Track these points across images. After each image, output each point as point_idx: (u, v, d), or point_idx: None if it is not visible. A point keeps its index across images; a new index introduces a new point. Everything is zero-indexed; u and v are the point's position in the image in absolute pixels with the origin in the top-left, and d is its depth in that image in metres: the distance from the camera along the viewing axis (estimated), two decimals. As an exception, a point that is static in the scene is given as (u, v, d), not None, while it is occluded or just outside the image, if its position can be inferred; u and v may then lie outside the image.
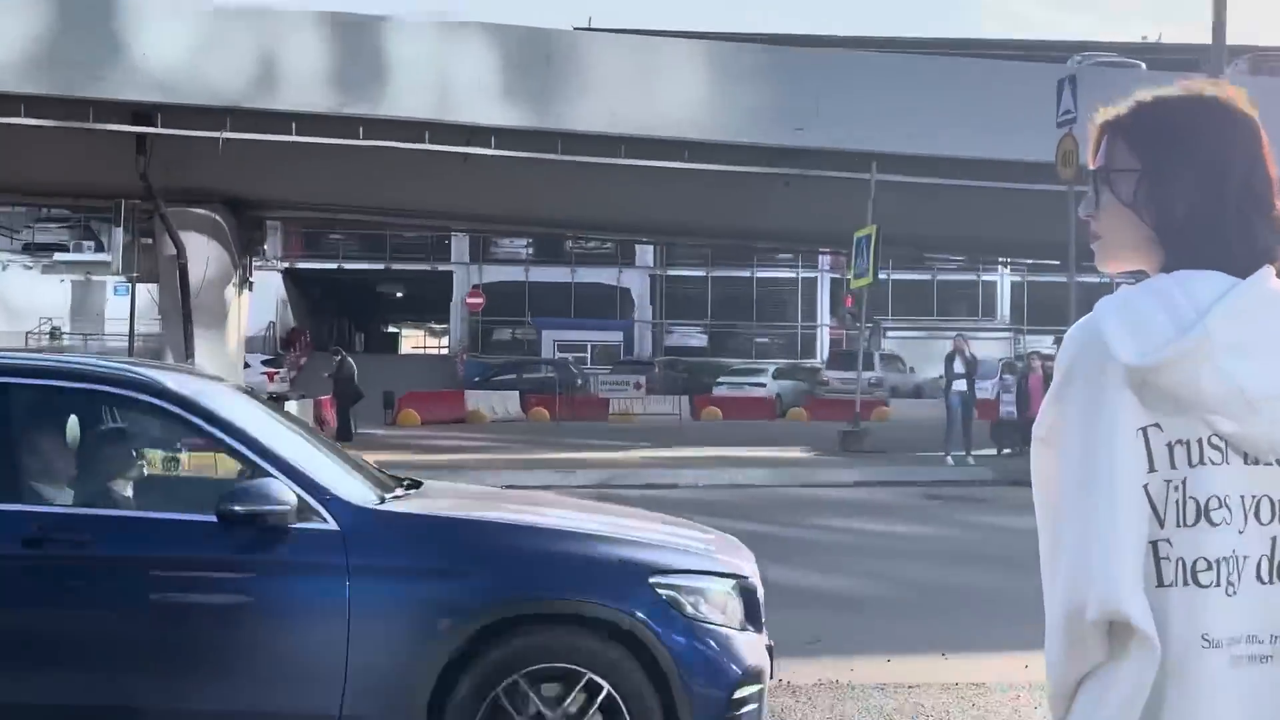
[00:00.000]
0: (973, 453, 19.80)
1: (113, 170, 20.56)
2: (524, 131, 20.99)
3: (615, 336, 50.70)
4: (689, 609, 4.39)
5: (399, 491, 4.98)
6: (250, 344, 34.80)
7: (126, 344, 21.63)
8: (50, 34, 19.83)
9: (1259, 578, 1.63)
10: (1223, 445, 1.64)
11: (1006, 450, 20.80)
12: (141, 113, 20.22)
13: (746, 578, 4.71)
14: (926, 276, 51.00)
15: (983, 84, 22.81)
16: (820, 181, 21.78)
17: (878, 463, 19.39)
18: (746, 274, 52.74)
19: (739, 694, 4.40)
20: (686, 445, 22.90)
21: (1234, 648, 1.61)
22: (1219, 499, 1.62)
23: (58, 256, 44.80)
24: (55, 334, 45.17)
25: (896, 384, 41.18)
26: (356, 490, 4.65)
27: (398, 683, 4.28)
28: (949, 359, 20.38)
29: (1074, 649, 1.64)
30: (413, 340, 71.34)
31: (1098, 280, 23.99)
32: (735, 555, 4.98)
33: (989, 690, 6.42)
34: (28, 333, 41.75)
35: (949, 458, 19.52)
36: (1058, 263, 24.20)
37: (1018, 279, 51.42)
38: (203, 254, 22.52)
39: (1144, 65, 31.53)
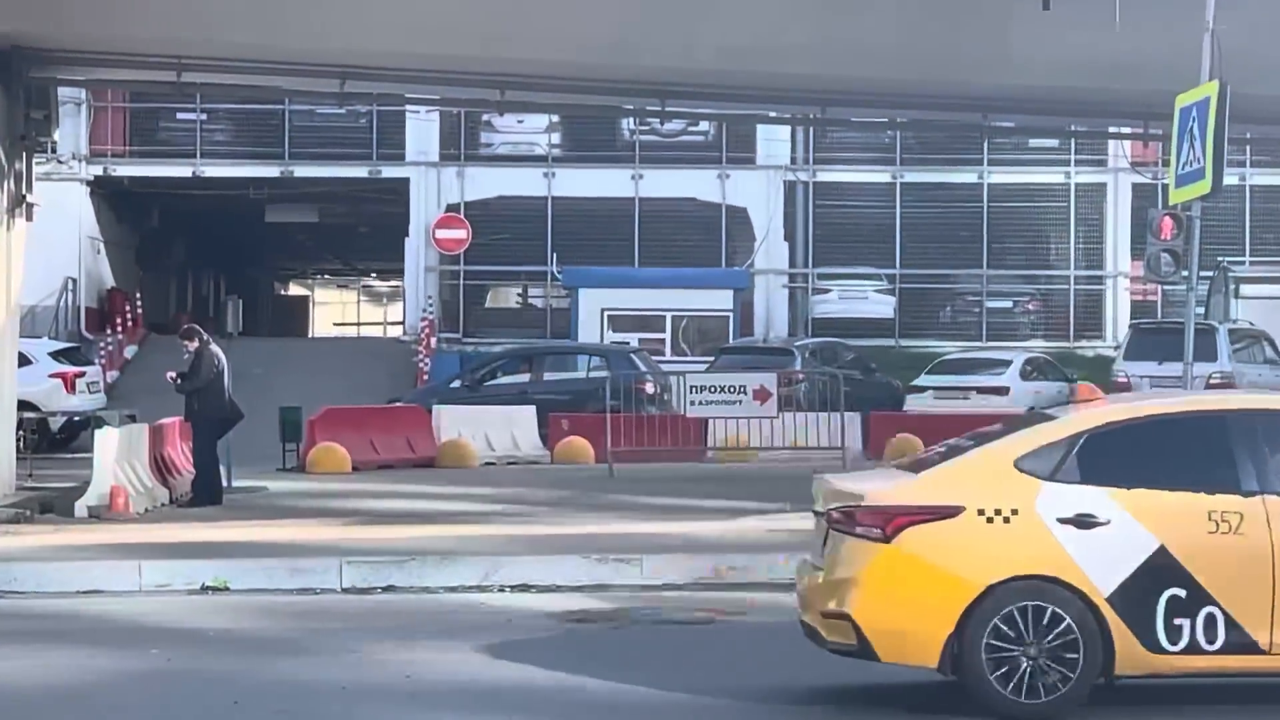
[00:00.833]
0: None
1: None
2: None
3: (719, 300, 50.38)
4: None
5: None
6: (31, 322, 35.29)
7: None
8: None
9: None
10: None
11: None
12: None
13: None
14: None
15: None
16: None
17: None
18: (970, 178, 52.56)
19: None
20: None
21: None
22: None
23: None
24: None
25: (1265, 383, 40.79)
26: None
27: None
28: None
29: None
30: (336, 310, 72.07)
31: None
32: None
33: None
34: None
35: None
36: None
37: None
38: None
39: None
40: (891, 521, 10.76)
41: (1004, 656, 10.47)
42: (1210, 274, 39.84)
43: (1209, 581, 10.43)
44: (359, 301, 73.78)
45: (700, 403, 35.86)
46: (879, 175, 52.45)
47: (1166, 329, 38.77)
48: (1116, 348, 45.25)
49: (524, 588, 17.18)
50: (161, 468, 24.80)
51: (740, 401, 36.29)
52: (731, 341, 46.77)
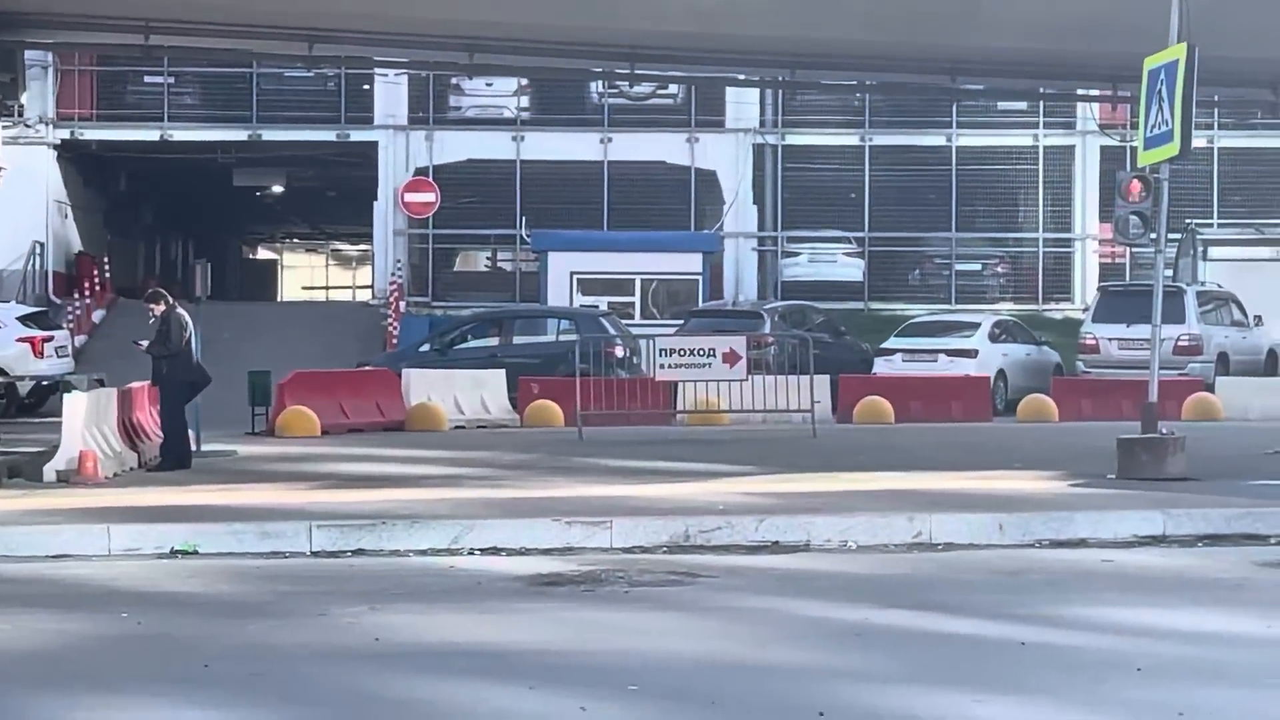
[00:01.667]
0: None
1: None
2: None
3: (688, 262, 50.38)
4: None
5: None
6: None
7: None
8: None
9: None
10: None
11: None
12: None
13: None
14: (1282, 142, 50.76)
15: None
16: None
17: (1191, 496, 19.44)
18: (939, 141, 52.61)
19: None
20: (826, 470, 23.06)
21: None
22: None
23: None
24: None
25: (1229, 348, 40.97)
26: None
27: None
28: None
29: None
30: (305, 274, 72.04)
31: None
32: None
33: None
34: None
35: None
36: None
37: None
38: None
39: None
40: None
41: None
42: (1178, 236, 39.92)
43: None
44: (328, 266, 73.68)
45: (669, 366, 35.74)
46: (848, 139, 52.56)
47: (1134, 291, 39.08)
48: (1085, 310, 45.48)
49: (493, 551, 17.19)
50: (130, 432, 24.74)
51: (709, 365, 36.22)
52: (701, 305, 46.90)
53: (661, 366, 35.37)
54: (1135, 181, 23.60)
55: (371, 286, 55.63)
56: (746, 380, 35.15)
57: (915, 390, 35.85)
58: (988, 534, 17.72)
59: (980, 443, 28.22)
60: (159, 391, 25.03)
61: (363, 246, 58.81)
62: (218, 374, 26.07)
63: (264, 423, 30.94)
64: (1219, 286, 43.75)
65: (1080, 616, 13.49)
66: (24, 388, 34.76)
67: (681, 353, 36.90)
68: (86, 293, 46.94)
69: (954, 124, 51.34)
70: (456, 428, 32.55)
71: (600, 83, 46.35)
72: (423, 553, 17.18)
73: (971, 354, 38.87)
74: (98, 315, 46.44)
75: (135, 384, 26.20)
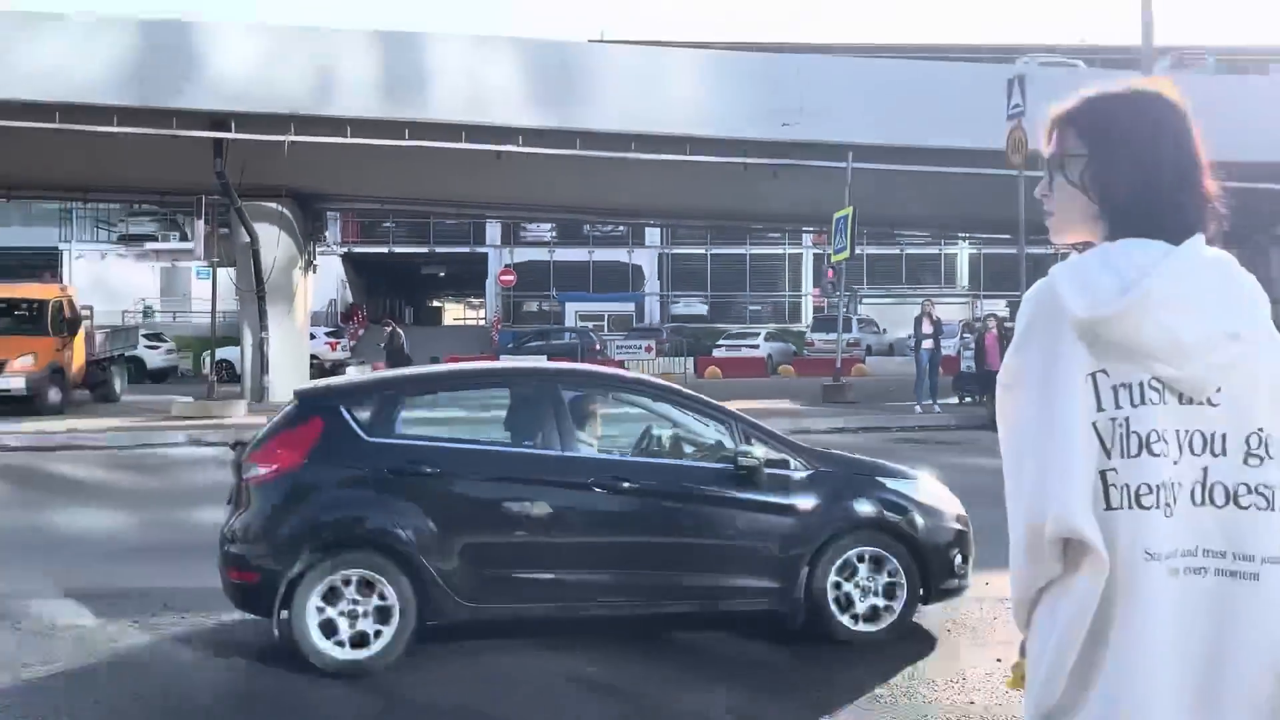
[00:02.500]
0: (938, 401, 19.82)
1: (194, 170, 20.54)
2: (546, 131, 20.86)
3: (628, 307, 50.53)
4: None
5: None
6: (315, 318, 34.85)
7: (209, 320, 21.60)
8: (138, 53, 19.75)
9: (1192, 501, 1.65)
10: (1160, 387, 1.65)
11: (967, 399, 20.87)
12: (218, 120, 20.13)
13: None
14: (896, 250, 50.69)
15: (942, 82, 22.59)
16: (804, 170, 21.63)
17: (856, 412, 19.40)
18: (741, 251, 52.57)
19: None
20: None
21: (1171, 561, 1.63)
22: (1158, 433, 1.64)
23: (149, 246, 45.24)
24: (148, 312, 45.52)
25: (871, 344, 41.18)
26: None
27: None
28: (917, 321, 20.36)
29: (1035, 564, 1.66)
30: (453, 313, 71.33)
31: (1045, 251, 23.88)
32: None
33: (962, 601, 6.46)
34: (124, 311, 41.88)
35: (918, 406, 19.54)
36: (1009, 236, 24.03)
37: (975, 251, 51.14)
38: (273, 241, 22.52)
39: (1082, 64, 31.22)
40: None
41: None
42: (849, 293, 40.17)
43: None
44: (463, 308, 73.09)
45: (620, 352, 35.98)
46: (700, 249, 52.39)
47: (829, 318, 39.07)
48: (807, 326, 45.74)
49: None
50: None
51: (638, 350, 36.49)
52: (634, 326, 47.14)
53: (617, 351, 35.76)
54: (830, 270, 23.69)
55: (484, 318, 55.39)
56: (654, 359, 35.35)
57: (732, 364, 35.82)
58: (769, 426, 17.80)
59: (761, 386, 28.30)
60: (388, 366, 24.75)
61: (480, 299, 58.52)
62: (414, 358, 25.89)
63: (437, 380, 30.76)
64: (866, 315, 44.10)
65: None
66: (327, 366, 34.57)
67: (624, 347, 37.31)
68: (355, 322, 46.52)
69: (748, 243, 51.43)
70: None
71: (588, 224, 46.17)
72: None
73: (756, 347, 38.92)
74: (360, 332, 46.12)
75: (377, 363, 26.04)
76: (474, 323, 60.95)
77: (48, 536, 9.25)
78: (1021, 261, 19.72)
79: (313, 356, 28.16)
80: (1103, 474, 1.63)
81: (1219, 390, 1.65)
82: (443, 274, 59.21)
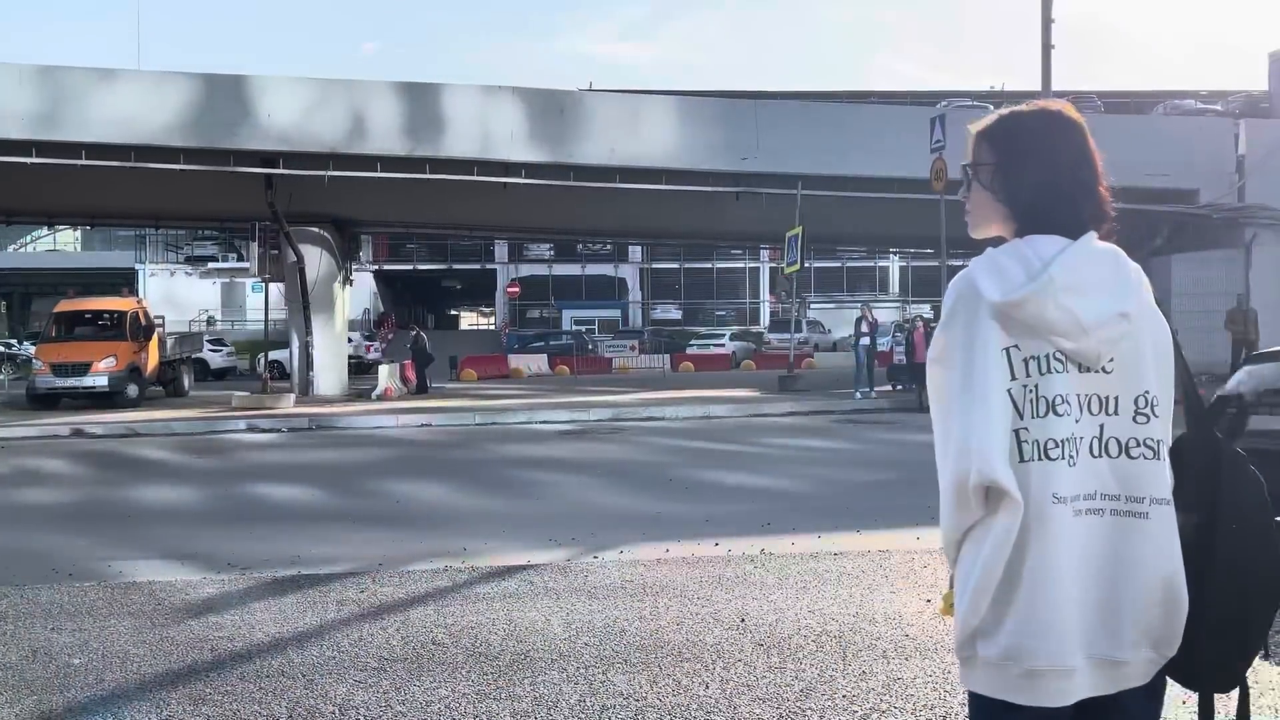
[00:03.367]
0: (874, 389, 19.90)
1: (249, 201, 20.50)
2: (545, 165, 20.86)
3: (615, 313, 50.45)
4: None
5: None
6: (352, 325, 34.62)
7: (262, 327, 21.48)
8: (201, 102, 19.64)
9: (1091, 453, 1.66)
10: (1063, 358, 1.66)
11: (899, 387, 20.93)
12: (268, 158, 20.06)
13: None
14: (839, 264, 50.96)
15: (876, 122, 22.71)
16: (761, 196, 21.73)
17: (807, 398, 19.46)
18: (709, 265, 52.65)
19: None
20: (669, 389, 22.95)
21: (1075, 503, 1.64)
22: (1062, 397, 1.65)
23: (210, 265, 45.08)
24: (211, 321, 45.24)
25: (819, 342, 41.26)
26: None
27: None
28: (857, 322, 20.43)
29: (961, 509, 1.66)
30: (468, 319, 70.93)
31: (962, 264, 23.92)
32: None
33: (892, 554, 6.48)
34: (190, 321, 41.60)
35: (857, 393, 19.59)
36: (933, 251, 24.08)
37: (904, 263, 51.39)
38: (316, 260, 22.45)
39: (992, 107, 31.21)
40: None
41: None
42: (799, 299, 40.17)
43: None
44: (477, 315, 72.85)
45: (609, 350, 35.81)
46: (675, 263, 52.40)
47: (785, 320, 39.02)
48: (765, 327, 45.68)
49: (544, 422, 17.12)
50: (404, 379, 24.43)
51: (624, 349, 36.27)
52: (619, 329, 46.93)
53: (607, 349, 35.56)
54: (780, 279, 23.66)
55: (494, 323, 55.23)
56: (638, 355, 35.22)
57: (702, 359, 35.70)
58: (731, 411, 17.81)
59: (727, 378, 28.33)
60: (414, 363, 24.75)
61: (491, 308, 58.33)
62: (436, 357, 25.86)
63: (454, 375, 30.64)
64: (814, 318, 44.01)
65: (767, 441, 13.63)
66: (362, 365, 34.35)
67: (613, 346, 37.01)
68: (385, 327, 46.20)
69: (715, 258, 51.42)
70: (530, 376, 32.33)
71: (581, 243, 46.08)
72: (516, 422, 17.08)
73: (722, 345, 38.82)
74: (390, 335, 45.82)
75: (405, 361, 25.94)
76: (486, 327, 60.75)
77: (131, 507, 9.20)
78: (943, 272, 19.75)
79: (351, 357, 28.00)
80: (1016, 432, 1.64)
81: (1111, 360, 1.67)
82: (459, 286, 58.94)
